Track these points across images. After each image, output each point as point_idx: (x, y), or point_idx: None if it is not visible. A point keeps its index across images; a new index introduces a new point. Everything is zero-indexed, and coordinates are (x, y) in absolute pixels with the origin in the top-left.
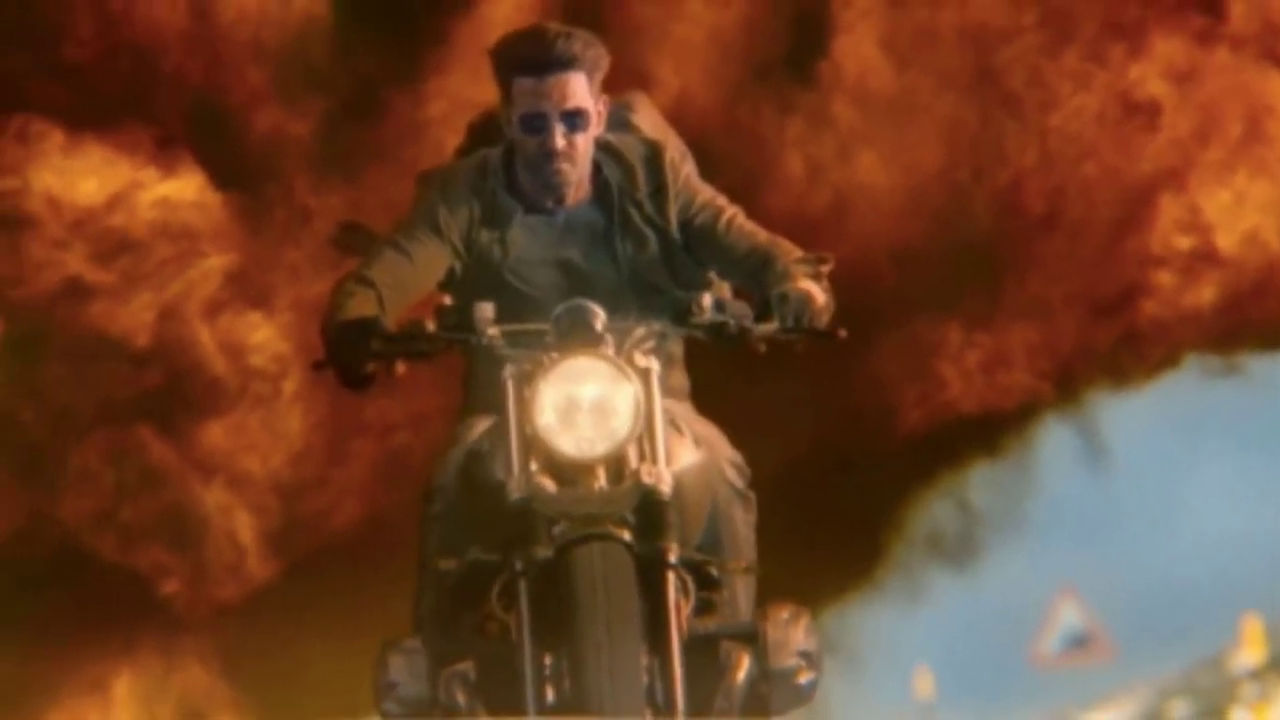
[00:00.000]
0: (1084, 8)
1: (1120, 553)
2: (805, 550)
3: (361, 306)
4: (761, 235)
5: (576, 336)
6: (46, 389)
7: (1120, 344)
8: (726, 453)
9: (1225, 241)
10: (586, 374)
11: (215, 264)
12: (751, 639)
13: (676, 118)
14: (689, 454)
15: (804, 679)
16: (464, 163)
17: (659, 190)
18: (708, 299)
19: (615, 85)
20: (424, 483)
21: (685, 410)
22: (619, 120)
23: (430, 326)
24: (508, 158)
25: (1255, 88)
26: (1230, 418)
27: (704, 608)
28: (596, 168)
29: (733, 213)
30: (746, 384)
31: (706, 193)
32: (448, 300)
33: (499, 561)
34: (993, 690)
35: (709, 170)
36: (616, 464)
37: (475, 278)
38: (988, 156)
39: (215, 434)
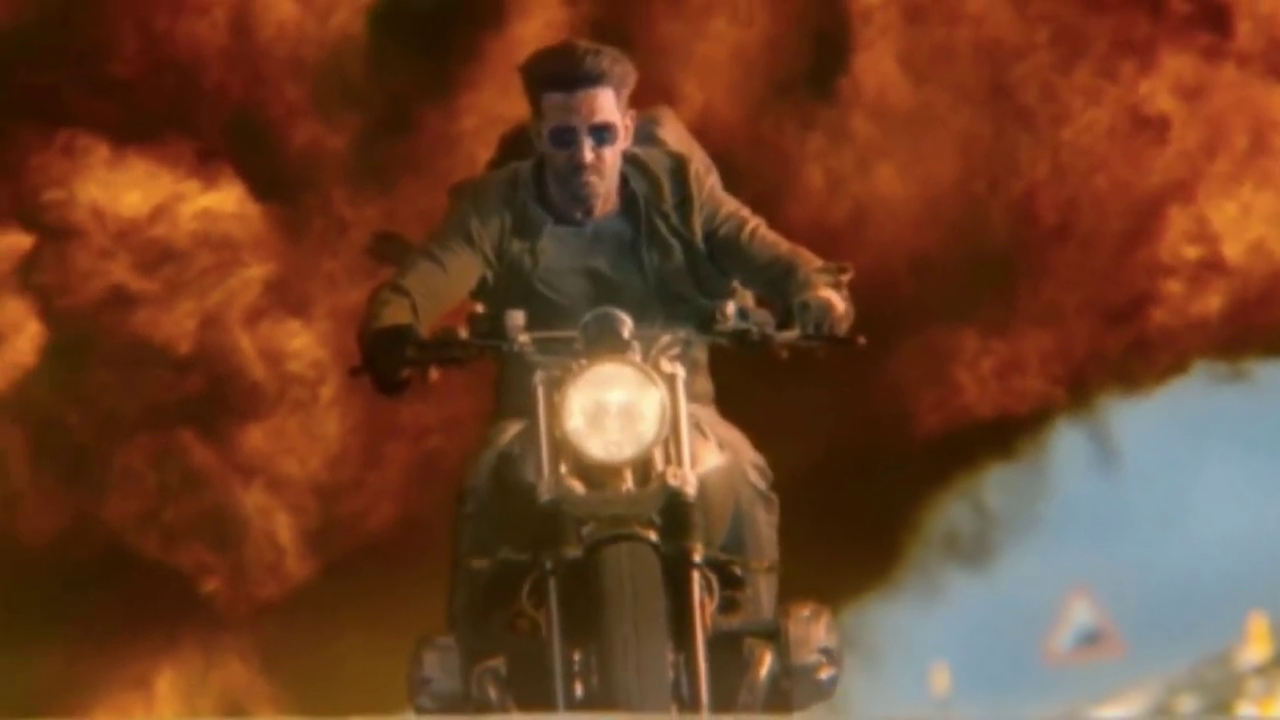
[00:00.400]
0: (1095, 25)
1: (1130, 553)
2: (826, 550)
3: (397, 314)
4: (783, 245)
5: (604, 343)
6: (92, 394)
7: (1131, 350)
8: (749, 455)
9: (1232, 251)
10: (614, 379)
11: (255, 273)
12: (774, 636)
13: (701, 132)
14: (713, 457)
15: (825, 675)
16: (495, 175)
17: (684, 202)
18: (731, 307)
19: (642, 100)
20: (457, 484)
21: (709, 414)
22: (646, 134)
23: (463, 334)
24: (538, 170)
25: (1261, 103)
26: (1237, 422)
27: (728, 606)
28: (624, 180)
29: (755, 224)
30: (769, 389)
31: (730, 204)
32: (480, 308)
33: (529, 561)
34: (1007, 685)
35: (732, 182)
36: (643, 467)
37: (506, 286)
38: (1002, 169)
39: (255, 437)
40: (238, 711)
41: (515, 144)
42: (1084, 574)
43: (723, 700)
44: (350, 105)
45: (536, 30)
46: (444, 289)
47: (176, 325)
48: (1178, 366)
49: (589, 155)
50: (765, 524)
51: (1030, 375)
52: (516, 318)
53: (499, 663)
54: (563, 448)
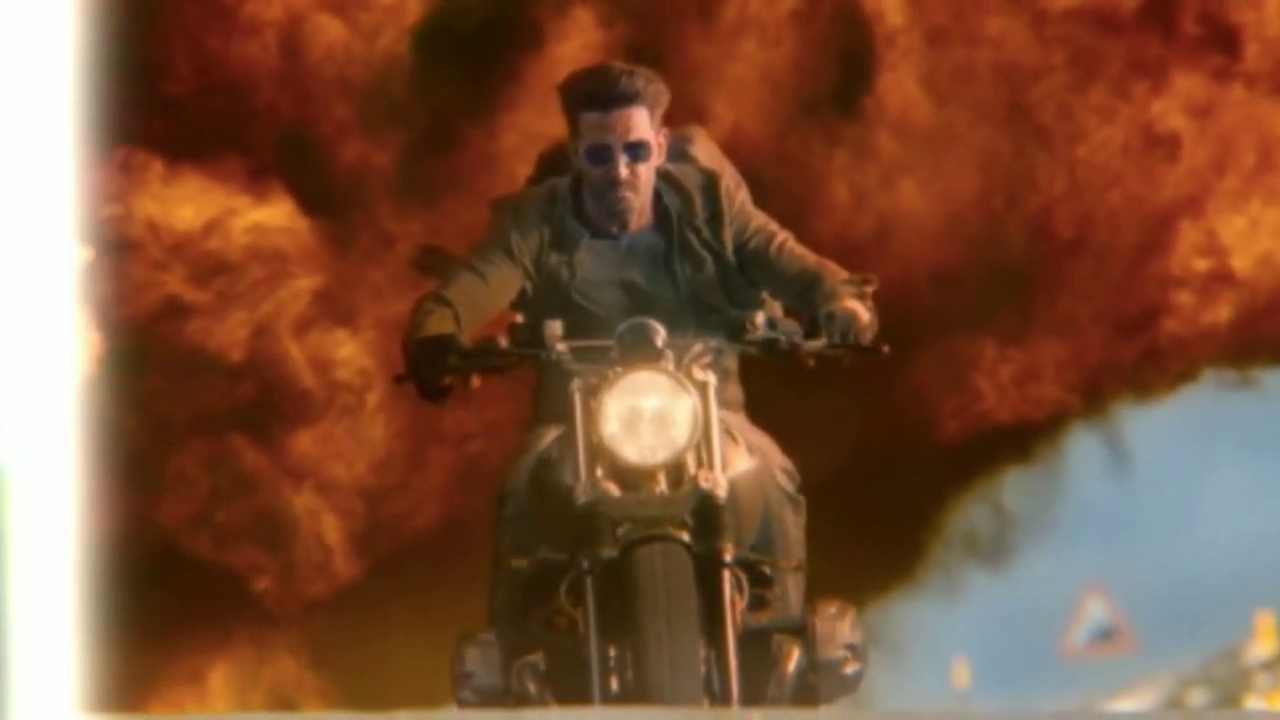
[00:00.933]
0: (1109, 47)
1: (1143, 553)
2: (851, 550)
3: (440, 324)
4: (810, 258)
5: (639, 352)
6: (147, 401)
7: (1143, 359)
8: (778, 459)
9: (1240, 264)
10: (648, 387)
11: (304, 285)
12: (801, 632)
13: (731, 149)
14: (743, 461)
15: (850, 669)
16: (534, 191)
17: (715, 216)
18: (761, 317)
19: (674, 119)
20: (497, 487)
21: (740, 420)
22: (678, 151)
23: (503, 343)
24: (575, 186)
25: (1268, 121)
26: (1245, 427)
27: (757, 603)
28: (657, 195)
29: (784, 237)
30: (796, 396)
31: (759, 218)
32: (519, 318)
33: (567, 560)
34: (1025, 680)
35: (761, 198)
36: (676, 470)
37: (545, 297)
38: (1020, 185)
39: (304, 442)
40: (288, 705)
41: (553, 161)
42: (1098, 573)
43: (752, 694)
44: (395, 124)
45: (574, 52)
46: (485, 300)
47: (229, 335)
48: (1188, 374)
49: (624, 171)
50: (793, 525)
51: (1047, 383)
52: (555, 327)
53: (538, 658)
54: (599, 452)
